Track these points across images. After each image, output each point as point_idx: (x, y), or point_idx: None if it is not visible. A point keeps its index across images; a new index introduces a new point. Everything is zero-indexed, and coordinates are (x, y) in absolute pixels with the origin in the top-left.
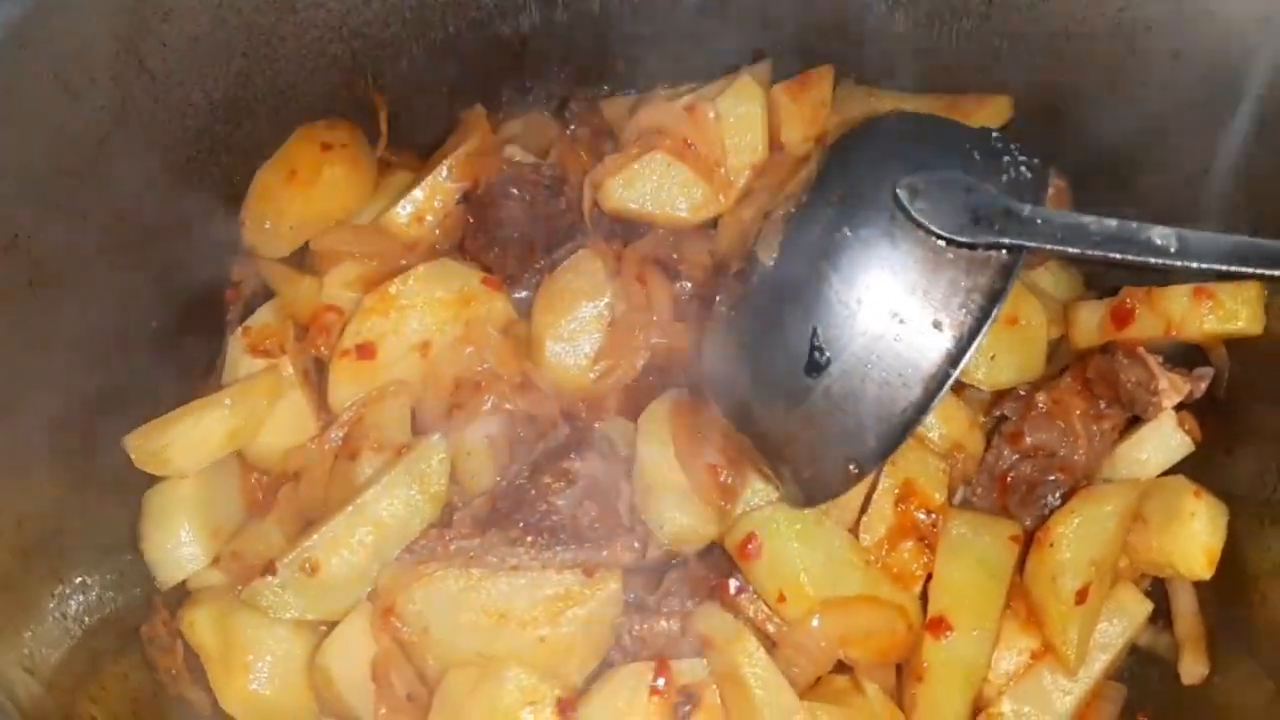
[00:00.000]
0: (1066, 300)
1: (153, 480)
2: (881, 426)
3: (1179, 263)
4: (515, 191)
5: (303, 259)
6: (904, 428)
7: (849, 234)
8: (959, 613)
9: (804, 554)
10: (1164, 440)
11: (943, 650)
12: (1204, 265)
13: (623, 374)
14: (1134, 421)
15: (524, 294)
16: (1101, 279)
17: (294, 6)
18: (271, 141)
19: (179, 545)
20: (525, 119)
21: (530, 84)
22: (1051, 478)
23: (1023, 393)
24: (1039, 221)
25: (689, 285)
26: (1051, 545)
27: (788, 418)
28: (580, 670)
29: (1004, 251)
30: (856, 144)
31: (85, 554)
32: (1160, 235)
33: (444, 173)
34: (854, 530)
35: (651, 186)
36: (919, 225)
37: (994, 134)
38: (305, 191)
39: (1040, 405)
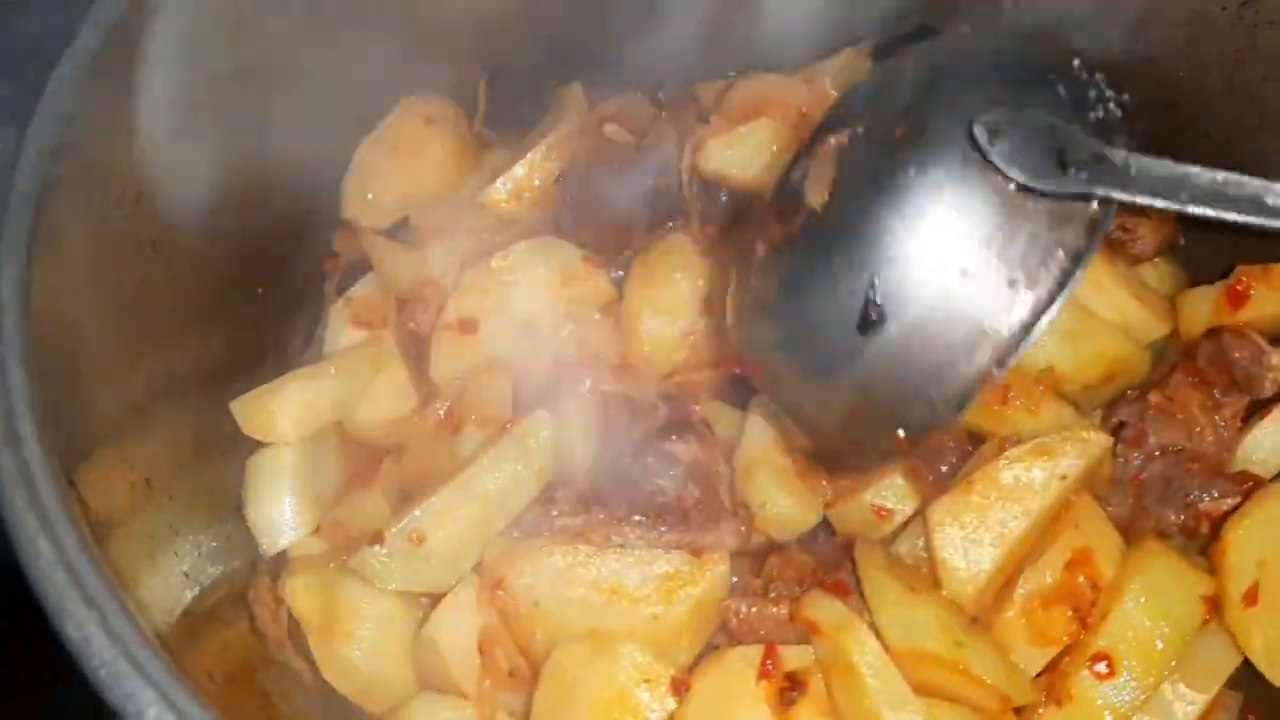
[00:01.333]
0: (1172, 294)
1: (256, 447)
2: (939, 395)
3: None
4: (614, 171)
5: (403, 232)
6: (962, 399)
7: (914, 174)
8: (1131, 658)
9: (888, 615)
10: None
11: (1097, 690)
12: None
13: (719, 373)
14: (1255, 410)
15: (620, 274)
16: (1209, 267)
17: None
18: (375, 114)
19: (282, 513)
20: (621, 100)
21: (627, 64)
22: (1185, 469)
23: (1135, 395)
24: (1133, 170)
25: None
26: (1225, 551)
27: (832, 380)
28: (689, 651)
29: (1092, 204)
30: (921, 67)
31: (196, 517)
32: (1274, 193)
33: (543, 150)
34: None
35: (755, 152)
36: (998, 170)
37: (1077, 63)
38: (407, 165)
39: (1156, 404)
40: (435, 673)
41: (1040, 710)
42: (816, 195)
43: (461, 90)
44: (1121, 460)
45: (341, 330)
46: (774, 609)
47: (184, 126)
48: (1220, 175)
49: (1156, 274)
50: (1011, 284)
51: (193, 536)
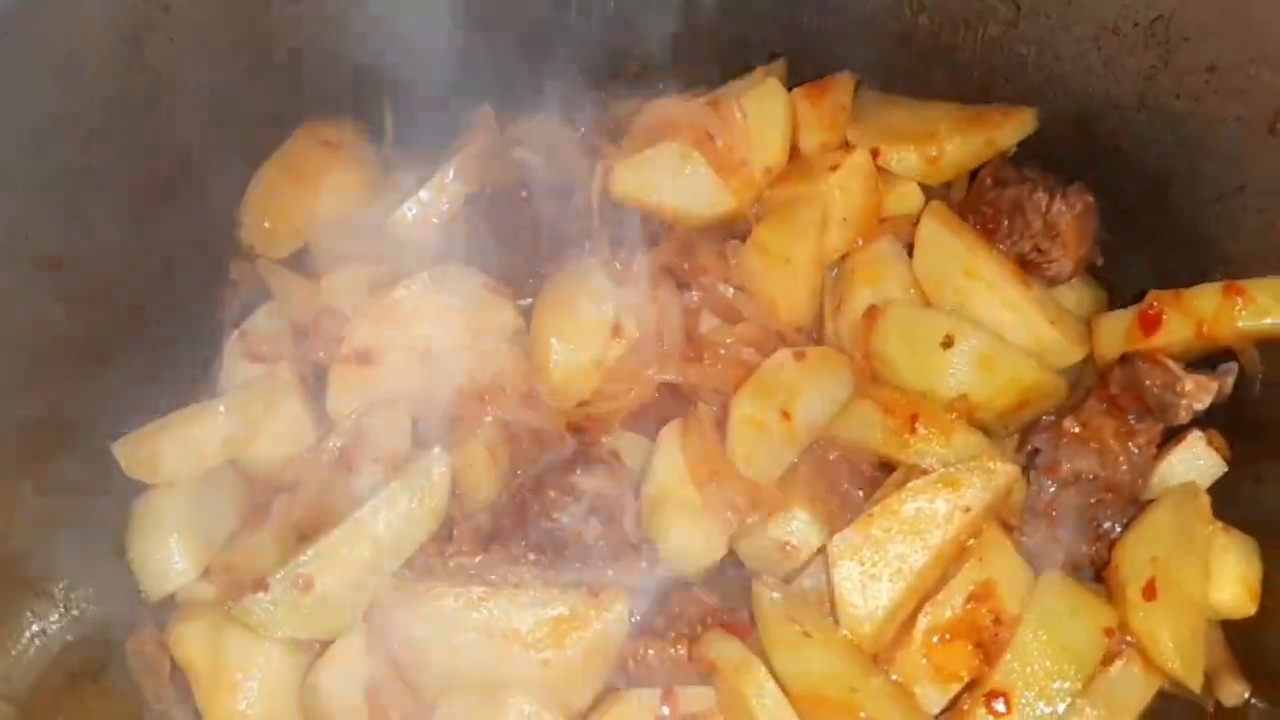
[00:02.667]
0: (1090, 315)
1: (143, 488)
2: None
3: None
4: (523, 195)
5: (303, 260)
6: None
7: None
8: (1028, 692)
9: (783, 659)
10: (1194, 462)
11: None
12: None
13: (629, 401)
14: (1170, 436)
15: (529, 301)
16: (1128, 288)
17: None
18: (273, 139)
19: (168, 556)
20: (534, 120)
21: (540, 85)
22: (1097, 499)
23: (1050, 419)
24: None
25: (697, 296)
26: (1118, 567)
27: None
28: (583, 696)
29: None
30: None
31: (69, 565)
32: None
33: (450, 174)
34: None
35: (665, 175)
36: None
37: None
38: (307, 191)
39: (1070, 431)
40: None
41: None
42: None
43: (366, 112)
44: (1035, 488)
45: (236, 364)
46: (673, 650)
47: (61, 152)
48: None
49: (1074, 296)
50: None
51: (65, 584)
